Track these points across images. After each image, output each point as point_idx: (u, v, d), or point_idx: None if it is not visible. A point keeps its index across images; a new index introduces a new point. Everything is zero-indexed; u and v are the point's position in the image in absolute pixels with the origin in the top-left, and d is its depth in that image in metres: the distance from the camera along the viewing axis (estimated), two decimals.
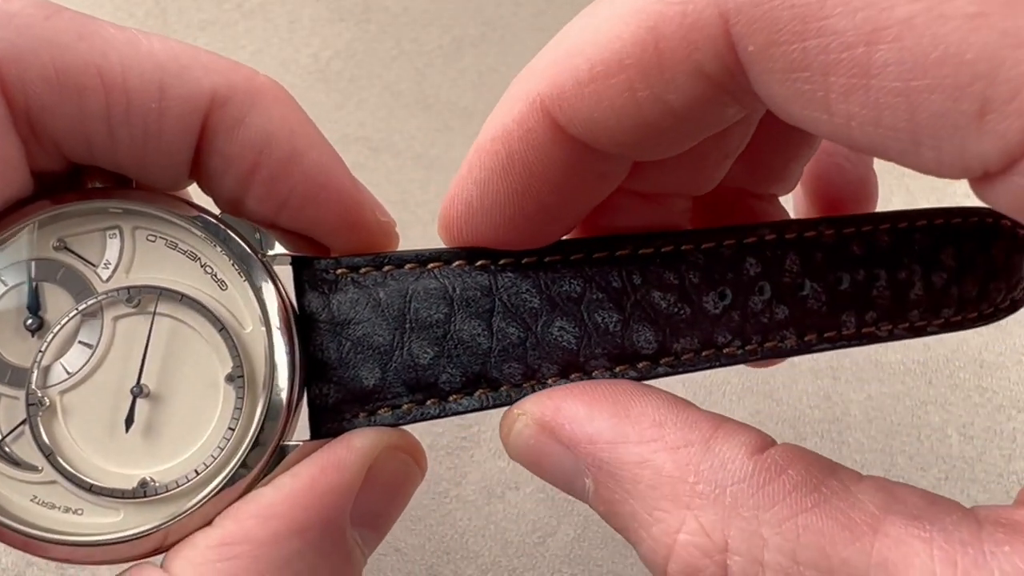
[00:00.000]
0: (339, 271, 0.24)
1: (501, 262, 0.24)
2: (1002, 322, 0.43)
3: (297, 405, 0.23)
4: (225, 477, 0.22)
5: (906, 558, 0.17)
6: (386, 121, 0.47)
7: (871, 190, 0.31)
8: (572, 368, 0.24)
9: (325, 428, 0.24)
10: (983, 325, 0.27)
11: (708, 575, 0.19)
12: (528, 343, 0.24)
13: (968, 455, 0.39)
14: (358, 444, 0.23)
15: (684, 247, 0.24)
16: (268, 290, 0.23)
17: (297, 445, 0.23)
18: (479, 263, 0.24)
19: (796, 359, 0.42)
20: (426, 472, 0.25)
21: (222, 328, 0.23)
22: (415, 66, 0.49)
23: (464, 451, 0.38)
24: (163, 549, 0.22)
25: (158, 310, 0.23)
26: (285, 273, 0.24)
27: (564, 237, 0.24)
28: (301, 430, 0.24)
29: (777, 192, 0.29)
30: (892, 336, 0.25)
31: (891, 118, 0.16)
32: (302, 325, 0.24)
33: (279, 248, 0.24)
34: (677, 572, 0.20)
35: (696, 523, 0.19)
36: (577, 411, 0.22)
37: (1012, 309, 0.27)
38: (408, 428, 0.24)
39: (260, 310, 0.23)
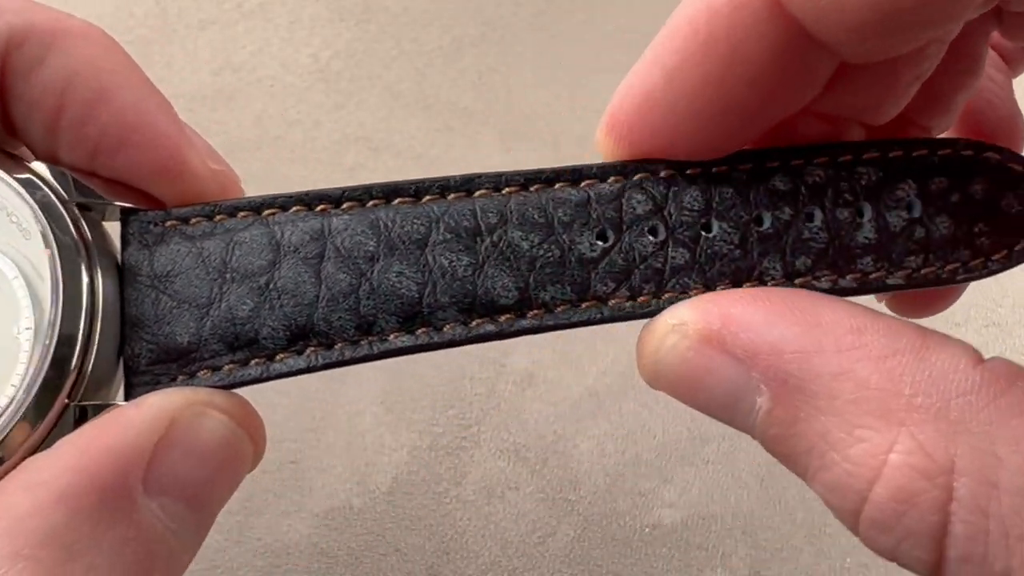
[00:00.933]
0: (168, 223, 0.22)
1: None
2: (1002, 322, 0.43)
3: (101, 364, 0.21)
4: None
5: None
6: (386, 121, 0.47)
7: (1018, 129, 0.28)
8: (415, 320, 0.21)
9: (137, 391, 0.22)
10: (971, 279, 0.22)
11: (927, 499, 0.17)
12: (361, 291, 0.21)
13: None
14: (150, 401, 0.20)
15: (558, 184, 0.22)
16: (64, 237, 0.21)
17: (103, 408, 0.21)
18: (346, 205, 0.22)
19: None
20: (262, 450, 0.23)
21: (16, 277, 0.21)
22: (415, 66, 0.49)
23: (464, 451, 0.38)
24: None
25: None
26: (117, 229, 0.23)
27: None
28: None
29: (937, 127, 0.26)
30: (838, 290, 0.22)
31: None
32: (121, 280, 0.22)
33: (94, 198, 0.22)
34: (886, 498, 0.17)
35: (913, 441, 0.17)
36: (753, 317, 0.19)
37: (1011, 262, 0.23)
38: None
39: (48, 260, 0.21)
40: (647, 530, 0.37)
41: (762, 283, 0.22)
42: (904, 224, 0.22)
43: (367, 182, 0.25)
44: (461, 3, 0.51)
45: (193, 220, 0.22)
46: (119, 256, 0.22)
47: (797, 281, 0.22)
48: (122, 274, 0.22)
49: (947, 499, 0.16)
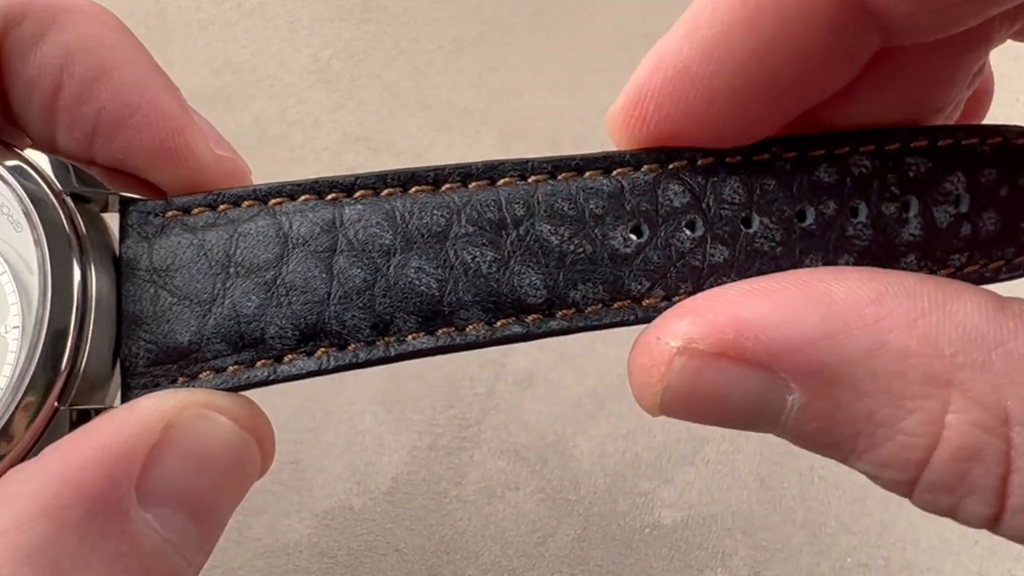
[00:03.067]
0: (169, 213, 0.21)
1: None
2: None
3: (95, 364, 0.20)
4: None
5: None
6: (386, 121, 0.47)
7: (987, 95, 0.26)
8: (435, 320, 0.20)
9: (134, 394, 0.20)
10: (1016, 277, 0.21)
11: (991, 453, 0.16)
12: (377, 288, 0.20)
13: None
14: (144, 403, 0.19)
15: (588, 173, 0.20)
16: (55, 229, 0.20)
17: (98, 412, 0.20)
18: (359, 194, 0.20)
19: None
20: (272, 455, 0.21)
21: (3, 272, 0.20)
22: (415, 66, 0.49)
23: (464, 451, 0.38)
24: None
25: None
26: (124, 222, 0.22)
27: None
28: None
29: (947, 109, 0.24)
30: None
31: None
32: (119, 274, 0.21)
33: (95, 187, 0.21)
34: (949, 460, 0.16)
35: (966, 399, 0.16)
36: (766, 315, 0.17)
37: None
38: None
39: (37, 252, 0.19)
40: (647, 530, 0.37)
41: None
42: (951, 220, 0.21)
43: None
44: (461, 3, 0.51)
45: (195, 210, 0.21)
46: (117, 249, 0.21)
47: None
48: (120, 268, 0.21)
49: (1007, 449, 0.16)
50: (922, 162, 0.21)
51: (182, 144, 0.21)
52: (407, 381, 0.39)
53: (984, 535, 0.37)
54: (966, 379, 0.16)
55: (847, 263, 0.20)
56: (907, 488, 0.17)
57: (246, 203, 0.21)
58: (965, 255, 0.21)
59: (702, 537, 0.37)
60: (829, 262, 0.20)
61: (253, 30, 0.49)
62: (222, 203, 0.21)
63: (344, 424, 0.38)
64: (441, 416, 0.39)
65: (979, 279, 0.21)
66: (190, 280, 0.20)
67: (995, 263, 0.21)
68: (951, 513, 0.17)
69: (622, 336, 0.43)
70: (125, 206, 0.21)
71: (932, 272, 0.21)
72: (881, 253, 0.21)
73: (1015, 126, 0.21)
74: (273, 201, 0.21)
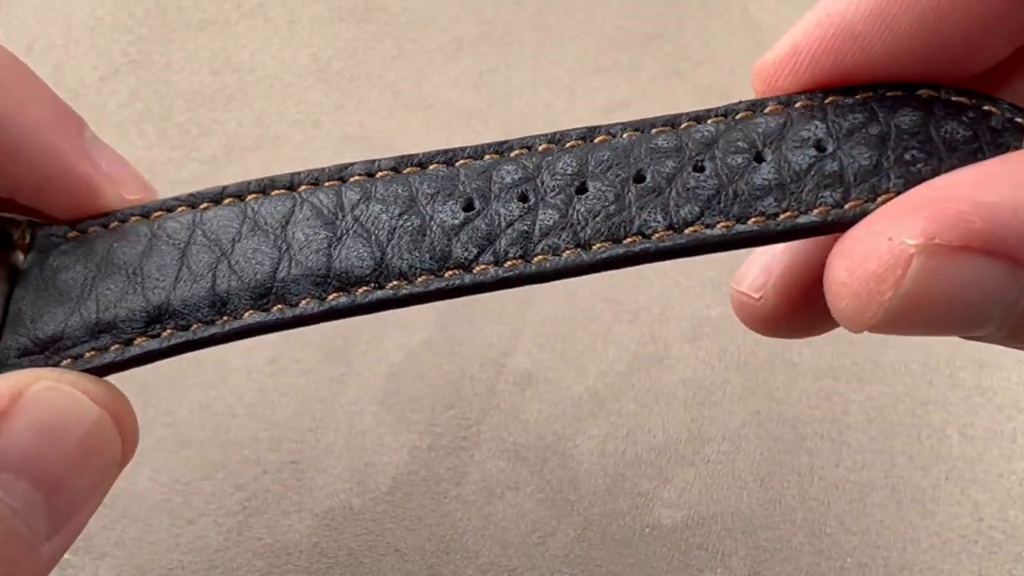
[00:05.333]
0: (71, 235, 0.23)
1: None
2: None
3: None
4: None
5: None
6: (386, 121, 0.47)
7: None
8: (267, 297, 0.21)
9: None
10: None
11: None
12: (218, 270, 0.22)
13: (968, 455, 0.39)
14: None
15: (431, 167, 0.22)
16: None
17: None
18: (227, 201, 0.22)
19: (796, 359, 0.41)
20: (133, 442, 0.22)
21: None
22: (415, 66, 0.49)
23: (464, 451, 0.38)
24: None
25: None
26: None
27: None
28: None
29: None
30: (735, 235, 0.20)
31: None
32: (12, 280, 0.23)
33: None
34: None
35: None
36: (1006, 195, 0.16)
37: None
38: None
39: None
40: (647, 530, 0.37)
41: (644, 236, 0.20)
42: (812, 161, 0.20)
43: None
44: (461, 3, 0.51)
45: (91, 229, 0.23)
46: (19, 259, 0.23)
47: (686, 231, 0.20)
48: (16, 276, 0.23)
49: None
50: (773, 119, 0.21)
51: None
52: (407, 381, 0.39)
53: (984, 535, 0.37)
54: None
55: (690, 213, 0.20)
56: None
57: (133, 219, 0.23)
58: (839, 191, 0.19)
59: (702, 537, 0.37)
60: (670, 214, 0.20)
61: (253, 30, 0.49)
62: (113, 222, 0.23)
63: (344, 424, 0.38)
64: (441, 416, 0.39)
65: (866, 213, 0.19)
66: (69, 279, 0.22)
67: (884, 195, 0.19)
68: None
69: (624, 335, 0.43)
70: (34, 233, 0.23)
71: (800, 214, 0.19)
72: (731, 199, 0.20)
73: (888, 83, 0.20)
74: (154, 215, 0.23)
